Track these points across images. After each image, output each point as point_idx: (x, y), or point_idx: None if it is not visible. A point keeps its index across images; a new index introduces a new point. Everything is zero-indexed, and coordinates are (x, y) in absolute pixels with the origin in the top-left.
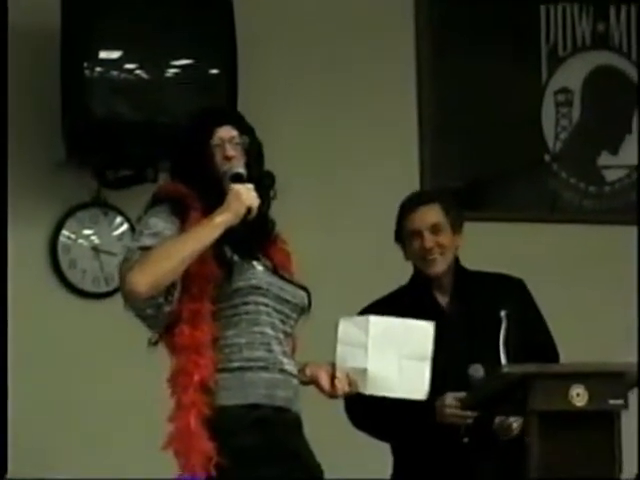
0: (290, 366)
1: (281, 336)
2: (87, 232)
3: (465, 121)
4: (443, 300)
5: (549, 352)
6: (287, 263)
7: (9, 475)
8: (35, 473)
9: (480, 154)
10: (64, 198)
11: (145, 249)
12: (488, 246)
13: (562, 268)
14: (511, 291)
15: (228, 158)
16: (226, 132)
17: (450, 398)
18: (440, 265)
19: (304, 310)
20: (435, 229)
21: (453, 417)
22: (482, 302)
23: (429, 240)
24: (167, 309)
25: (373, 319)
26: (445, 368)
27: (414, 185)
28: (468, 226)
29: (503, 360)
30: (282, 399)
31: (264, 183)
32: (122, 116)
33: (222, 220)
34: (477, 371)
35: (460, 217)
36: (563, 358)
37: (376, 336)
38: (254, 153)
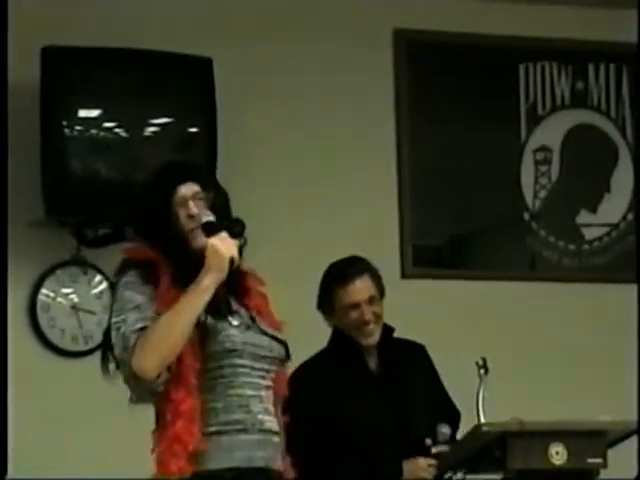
0: (271, 423)
1: (263, 393)
2: (66, 291)
3: (445, 179)
4: (371, 364)
5: (451, 407)
6: (264, 307)
7: (9, 475)
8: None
9: (460, 212)
10: (43, 256)
11: (138, 331)
12: (467, 304)
13: (541, 326)
14: (420, 355)
15: (192, 216)
16: (188, 189)
17: (424, 464)
18: (377, 335)
19: (283, 361)
20: (371, 300)
21: None
22: (403, 366)
23: (367, 312)
24: (161, 388)
25: None
26: (381, 429)
27: (394, 245)
28: (448, 284)
29: (482, 418)
30: (261, 459)
31: (234, 230)
32: (101, 174)
33: (209, 282)
34: (444, 428)
35: (382, 282)
36: (542, 416)
37: None
38: (220, 205)
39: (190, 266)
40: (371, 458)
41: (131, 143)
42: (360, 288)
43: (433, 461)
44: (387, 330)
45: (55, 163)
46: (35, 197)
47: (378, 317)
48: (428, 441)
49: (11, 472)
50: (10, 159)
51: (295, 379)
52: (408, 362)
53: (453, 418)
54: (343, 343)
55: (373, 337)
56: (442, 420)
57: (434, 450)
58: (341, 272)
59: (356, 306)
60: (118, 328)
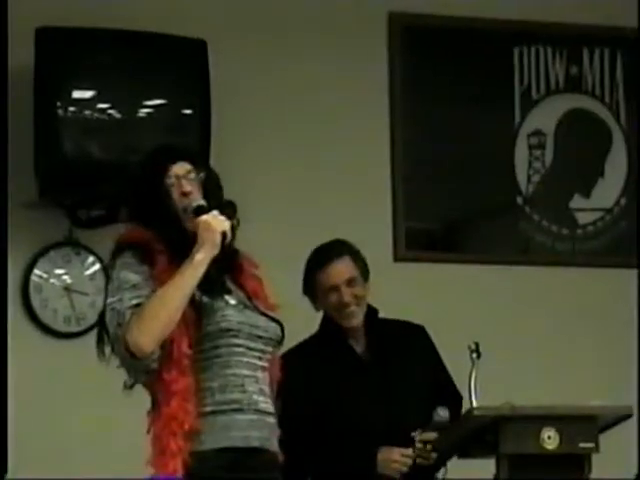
0: (266, 404)
1: (259, 374)
2: (59, 271)
3: (438, 163)
4: (358, 348)
5: (453, 390)
6: (259, 290)
7: (9, 475)
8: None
9: (453, 196)
10: (36, 237)
11: (133, 307)
12: (460, 288)
13: (534, 310)
14: (417, 337)
15: (185, 194)
16: (180, 168)
17: (397, 454)
18: (358, 317)
19: (279, 342)
20: (350, 282)
21: (396, 472)
22: (394, 347)
23: (347, 294)
24: (155, 365)
25: None
26: (368, 416)
27: (387, 228)
28: (441, 268)
29: (474, 402)
30: (257, 439)
31: (226, 212)
32: (95, 156)
33: (202, 256)
34: (443, 411)
35: (366, 264)
36: (534, 400)
37: None
38: (212, 185)
39: (185, 245)
40: (349, 446)
41: (125, 124)
42: (338, 270)
43: (408, 451)
44: (371, 312)
45: (49, 144)
46: (28, 178)
47: (359, 299)
48: (414, 433)
49: (10, 459)
50: None
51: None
52: (400, 344)
53: (454, 401)
54: (329, 328)
55: (355, 319)
56: (440, 403)
57: (418, 438)
58: (320, 256)
59: (335, 288)
60: (113, 307)
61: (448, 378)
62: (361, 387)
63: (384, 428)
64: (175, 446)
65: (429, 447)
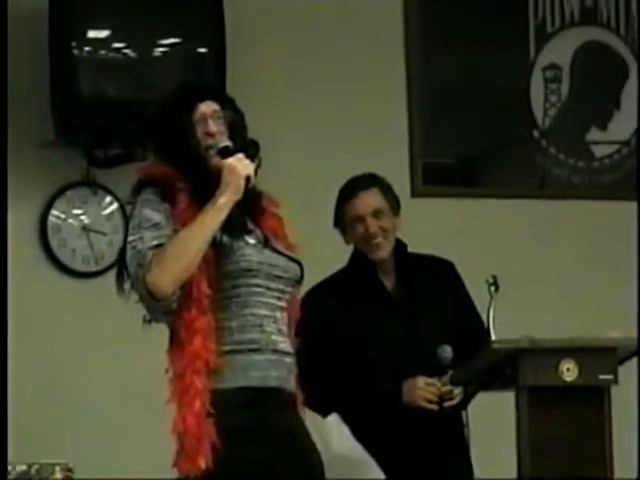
0: (284, 344)
1: (277, 314)
2: (77, 212)
3: (454, 98)
4: (388, 282)
5: (481, 329)
6: (279, 229)
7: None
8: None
9: (469, 131)
10: (53, 177)
11: (154, 248)
12: (477, 222)
13: (551, 244)
14: (446, 273)
15: (210, 134)
16: (207, 107)
17: (422, 381)
18: (385, 249)
19: (298, 282)
20: (377, 213)
21: (421, 400)
22: (424, 283)
23: (372, 225)
24: (175, 305)
25: None
26: (397, 351)
27: (404, 162)
28: (458, 203)
29: (493, 335)
30: (275, 379)
31: (249, 152)
32: (110, 95)
33: (226, 200)
34: (445, 352)
35: (397, 198)
36: (553, 332)
37: None
38: (237, 125)
39: (208, 184)
40: (376, 379)
41: (140, 63)
42: (364, 201)
43: (434, 380)
44: (401, 247)
45: (64, 84)
46: (45, 118)
47: (386, 231)
48: (440, 351)
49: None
50: (20, 81)
51: (307, 299)
52: (430, 280)
53: (481, 338)
54: (359, 261)
55: (381, 251)
56: (465, 339)
57: (444, 389)
58: (348, 187)
59: (361, 219)
60: (134, 246)
61: (476, 314)
62: (390, 322)
63: (413, 364)
64: (200, 384)
65: (447, 388)
